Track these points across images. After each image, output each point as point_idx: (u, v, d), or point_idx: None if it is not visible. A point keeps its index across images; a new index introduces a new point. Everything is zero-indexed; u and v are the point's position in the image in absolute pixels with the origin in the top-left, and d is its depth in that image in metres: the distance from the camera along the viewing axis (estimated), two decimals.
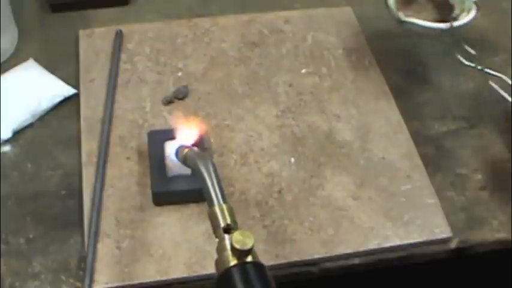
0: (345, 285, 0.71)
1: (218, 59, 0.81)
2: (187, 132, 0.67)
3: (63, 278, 0.62)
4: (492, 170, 0.72)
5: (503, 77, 0.75)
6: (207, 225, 0.65)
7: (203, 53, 0.81)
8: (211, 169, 0.57)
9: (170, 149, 0.68)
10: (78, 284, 0.62)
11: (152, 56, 0.80)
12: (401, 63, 0.83)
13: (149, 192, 0.67)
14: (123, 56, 0.80)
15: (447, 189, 0.70)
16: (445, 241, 0.67)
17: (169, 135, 0.69)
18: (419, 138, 0.74)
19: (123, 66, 0.79)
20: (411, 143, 0.73)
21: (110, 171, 0.69)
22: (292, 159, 0.72)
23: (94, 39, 0.82)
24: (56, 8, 0.85)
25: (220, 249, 0.52)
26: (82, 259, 0.63)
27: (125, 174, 0.69)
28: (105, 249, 0.63)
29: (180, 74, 0.79)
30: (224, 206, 0.55)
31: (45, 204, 0.67)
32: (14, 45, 0.81)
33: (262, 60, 0.81)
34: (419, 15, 0.77)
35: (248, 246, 0.51)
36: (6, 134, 0.71)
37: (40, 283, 0.62)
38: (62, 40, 0.82)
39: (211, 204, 0.55)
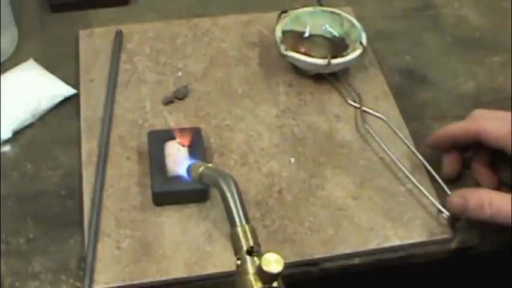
0: (345, 285, 0.71)
1: (218, 59, 0.81)
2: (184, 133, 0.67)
3: (63, 278, 0.62)
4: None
5: (383, 118, 0.75)
6: (207, 225, 0.66)
7: (203, 53, 0.81)
8: (233, 188, 0.56)
9: (170, 149, 0.68)
10: (78, 284, 0.62)
11: (152, 56, 0.81)
12: (401, 63, 0.83)
13: (149, 192, 0.67)
14: (123, 56, 0.80)
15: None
16: (445, 241, 0.67)
17: (169, 135, 0.69)
18: (419, 138, 0.74)
19: (123, 66, 0.79)
20: (411, 143, 0.73)
21: (110, 171, 0.69)
22: (292, 159, 0.72)
23: (94, 39, 0.82)
24: (56, 8, 0.85)
25: (242, 272, 0.50)
26: (82, 259, 0.63)
27: (125, 174, 0.69)
28: (105, 249, 0.63)
29: (180, 74, 0.79)
30: (247, 227, 0.53)
31: (45, 204, 0.67)
32: (14, 45, 0.81)
33: (262, 60, 0.81)
34: (311, 51, 0.77)
35: (277, 270, 0.48)
36: (6, 134, 0.71)
37: (40, 283, 0.62)
38: (62, 40, 0.82)
39: (233, 224, 0.54)
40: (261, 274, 0.49)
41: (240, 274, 0.51)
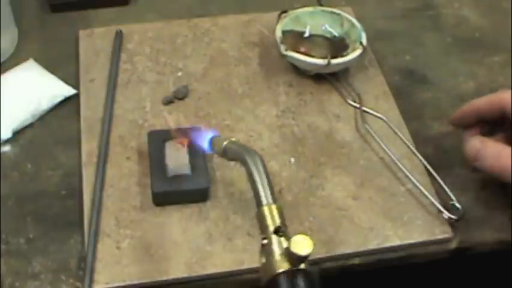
0: (345, 285, 0.71)
1: (218, 59, 0.81)
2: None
3: (63, 278, 0.62)
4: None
5: (383, 118, 0.75)
6: (207, 225, 0.66)
7: (203, 53, 0.81)
8: (260, 165, 0.54)
9: (170, 149, 0.68)
10: (78, 284, 0.62)
11: (152, 56, 0.81)
12: (401, 63, 0.83)
13: (149, 192, 0.67)
14: (123, 56, 0.80)
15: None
16: (445, 241, 0.67)
17: (169, 135, 0.69)
18: (419, 138, 0.74)
19: (123, 66, 0.79)
20: (411, 143, 0.73)
21: (110, 171, 0.69)
22: (292, 159, 0.72)
23: (94, 39, 0.82)
24: (56, 8, 0.85)
25: (268, 252, 0.50)
26: (82, 259, 0.63)
27: (125, 174, 0.69)
28: (105, 249, 0.63)
29: (180, 74, 0.79)
30: (273, 207, 0.52)
31: (45, 204, 0.67)
32: (14, 45, 0.81)
33: (262, 60, 0.81)
34: (311, 51, 0.77)
35: (306, 253, 0.47)
36: (6, 134, 0.71)
37: (40, 283, 0.62)
38: (62, 40, 0.82)
39: (259, 204, 0.53)
40: (289, 255, 0.48)
41: (267, 254, 0.49)
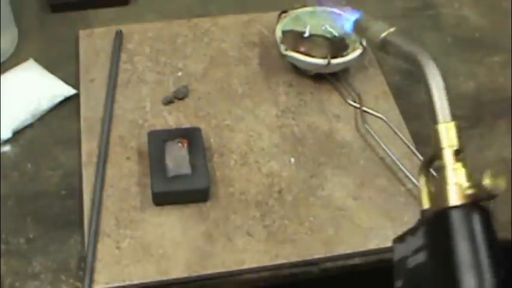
0: (345, 285, 0.71)
1: (218, 59, 0.81)
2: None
3: (63, 278, 0.62)
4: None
5: (383, 118, 0.75)
6: (207, 225, 0.66)
7: (203, 53, 0.81)
8: (437, 73, 0.47)
9: (170, 149, 0.68)
10: (78, 284, 0.62)
11: (152, 56, 0.81)
12: (401, 63, 0.83)
13: (149, 192, 0.67)
14: (123, 56, 0.80)
15: None
16: None
17: (169, 135, 0.69)
18: (419, 138, 0.74)
19: (123, 66, 0.79)
20: (411, 143, 0.73)
21: (110, 171, 0.69)
22: (292, 159, 0.72)
23: (94, 39, 0.82)
24: (56, 8, 0.85)
25: (441, 179, 0.42)
26: (82, 259, 0.63)
27: (125, 174, 0.69)
28: (105, 249, 0.63)
29: (180, 74, 0.79)
30: (451, 125, 0.44)
31: (45, 204, 0.67)
32: (14, 45, 0.81)
33: (262, 60, 0.81)
34: (311, 51, 0.77)
35: (499, 190, 0.40)
36: (6, 134, 0.71)
37: (40, 283, 0.62)
38: (62, 40, 0.82)
39: (435, 120, 0.45)
40: (476, 188, 0.41)
41: (439, 181, 0.43)
